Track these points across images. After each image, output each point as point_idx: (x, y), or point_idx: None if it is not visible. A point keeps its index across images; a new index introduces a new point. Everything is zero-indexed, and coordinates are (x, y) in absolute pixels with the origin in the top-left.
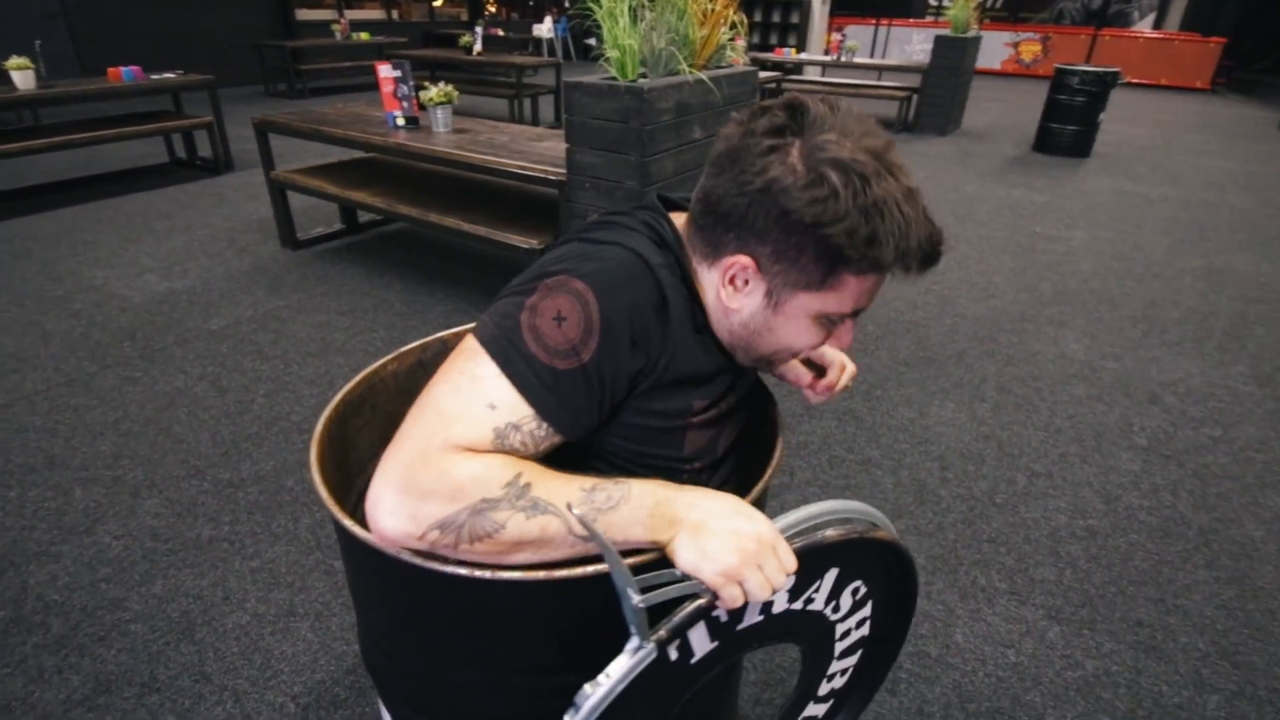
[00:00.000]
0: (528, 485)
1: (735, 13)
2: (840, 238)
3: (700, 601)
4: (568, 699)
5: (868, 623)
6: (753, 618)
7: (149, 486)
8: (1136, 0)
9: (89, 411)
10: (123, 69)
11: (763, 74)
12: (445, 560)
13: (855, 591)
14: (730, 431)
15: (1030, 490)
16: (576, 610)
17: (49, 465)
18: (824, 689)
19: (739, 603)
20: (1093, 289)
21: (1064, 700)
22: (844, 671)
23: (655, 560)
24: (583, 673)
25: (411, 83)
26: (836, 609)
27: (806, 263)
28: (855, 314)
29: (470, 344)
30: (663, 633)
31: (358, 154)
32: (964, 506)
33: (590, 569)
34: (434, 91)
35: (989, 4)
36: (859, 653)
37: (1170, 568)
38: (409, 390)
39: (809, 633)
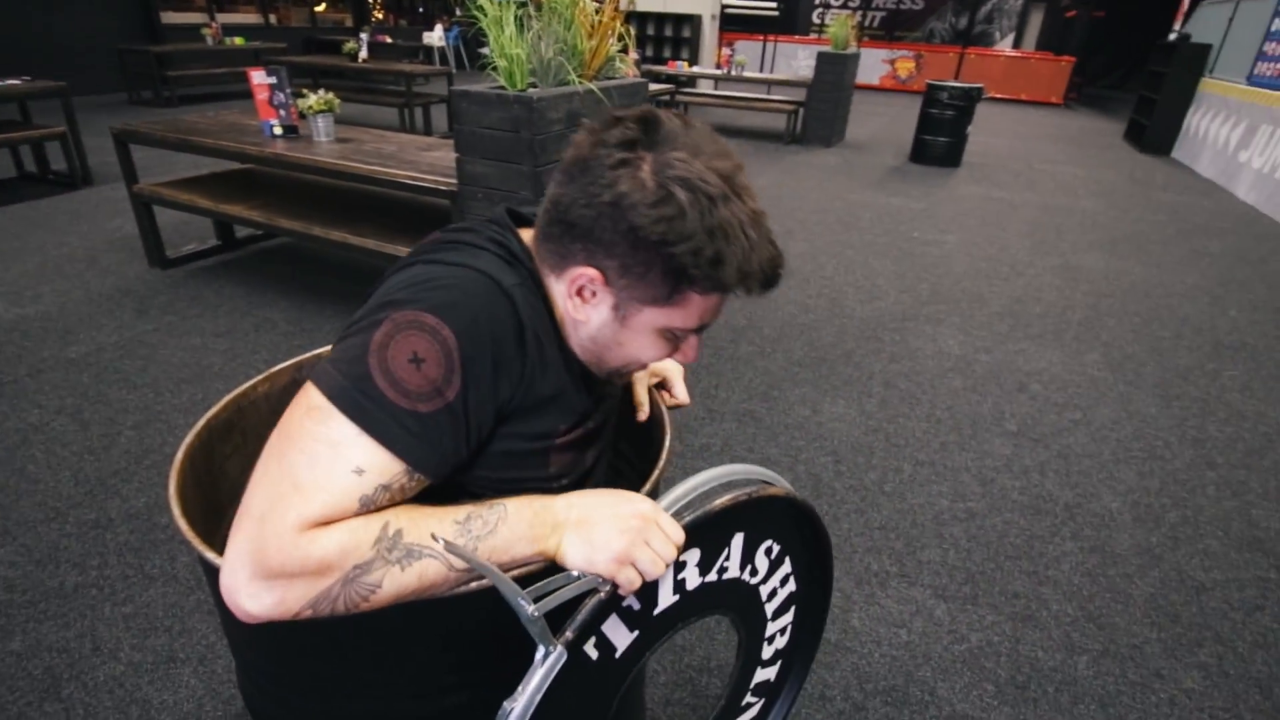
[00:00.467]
0: (398, 533)
1: (622, 25)
2: (686, 257)
3: (600, 595)
4: (471, 716)
5: (791, 578)
6: (668, 599)
7: (1, 533)
8: (998, 21)
9: None
10: None
11: (656, 86)
12: None
13: (769, 551)
14: (599, 442)
15: (915, 478)
16: (474, 626)
17: None
18: (767, 652)
19: (636, 585)
20: (965, 289)
21: (952, 673)
22: (783, 630)
23: (543, 569)
24: (483, 689)
25: (289, 90)
26: (754, 572)
27: (653, 279)
28: (700, 329)
29: (317, 399)
30: (569, 634)
31: (232, 165)
32: (856, 497)
33: (474, 585)
34: (313, 99)
35: (867, 23)
36: (792, 609)
37: (1041, 542)
38: (282, 413)
39: (734, 601)
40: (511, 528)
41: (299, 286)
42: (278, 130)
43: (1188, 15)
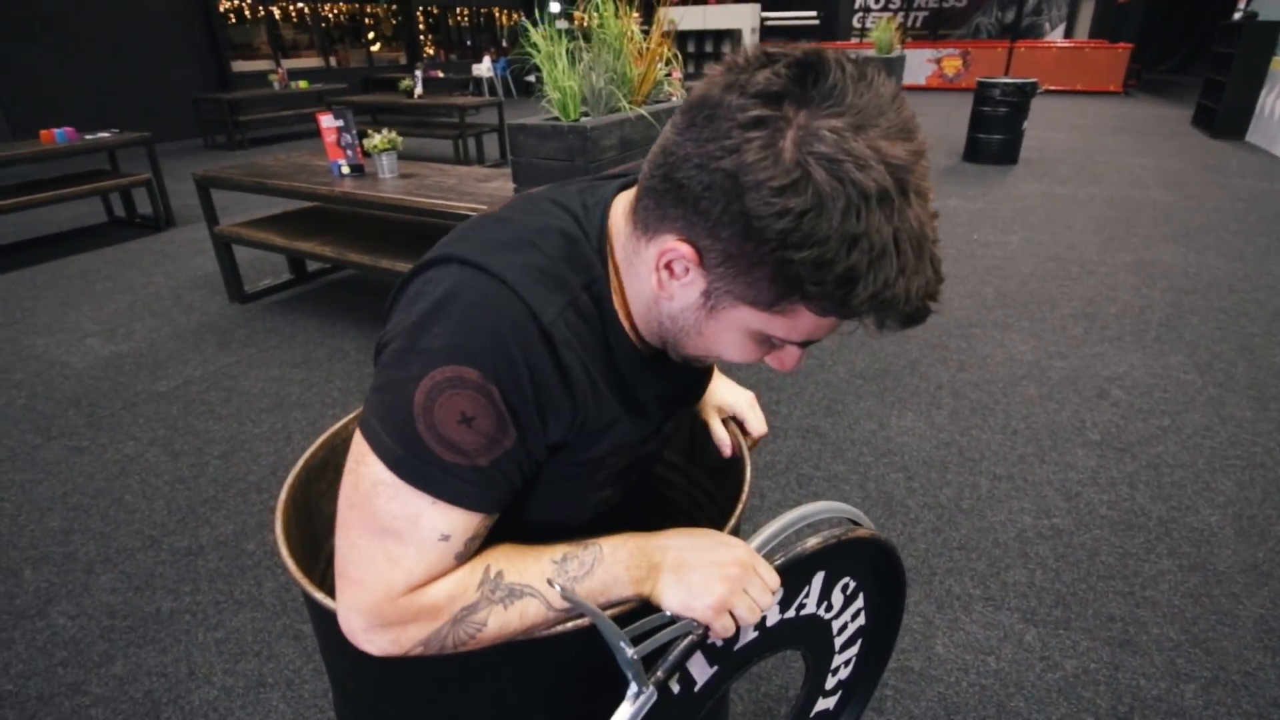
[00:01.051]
0: (500, 574)
1: (670, 49)
2: (806, 266)
3: (692, 636)
4: None
5: (862, 613)
6: (748, 636)
7: (103, 561)
8: (1046, 13)
9: (35, 487)
10: (55, 131)
11: None
12: None
13: (845, 588)
14: (648, 462)
15: (994, 494)
16: (566, 663)
17: None
18: (830, 682)
19: (731, 632)
20: (1033, 290)
21: (1047, 703)
22: (847, 663)
23: (637, 608)
24: None
25: (355, 130)
26: (829, 608)
27: (758, 278)
28: (805, 344)
29: (380, 472)
30: (660, 674)
31: (303, 203)
32: (932, 515)
33: (571, 625)
34: (378, 139)
35: (909, 23)
36: (859, 642)
37: (1135, 560)
38: None
39: (807, 636)
40: (608, 569)
41: (368, 315)
42: (345, 169)
43: None
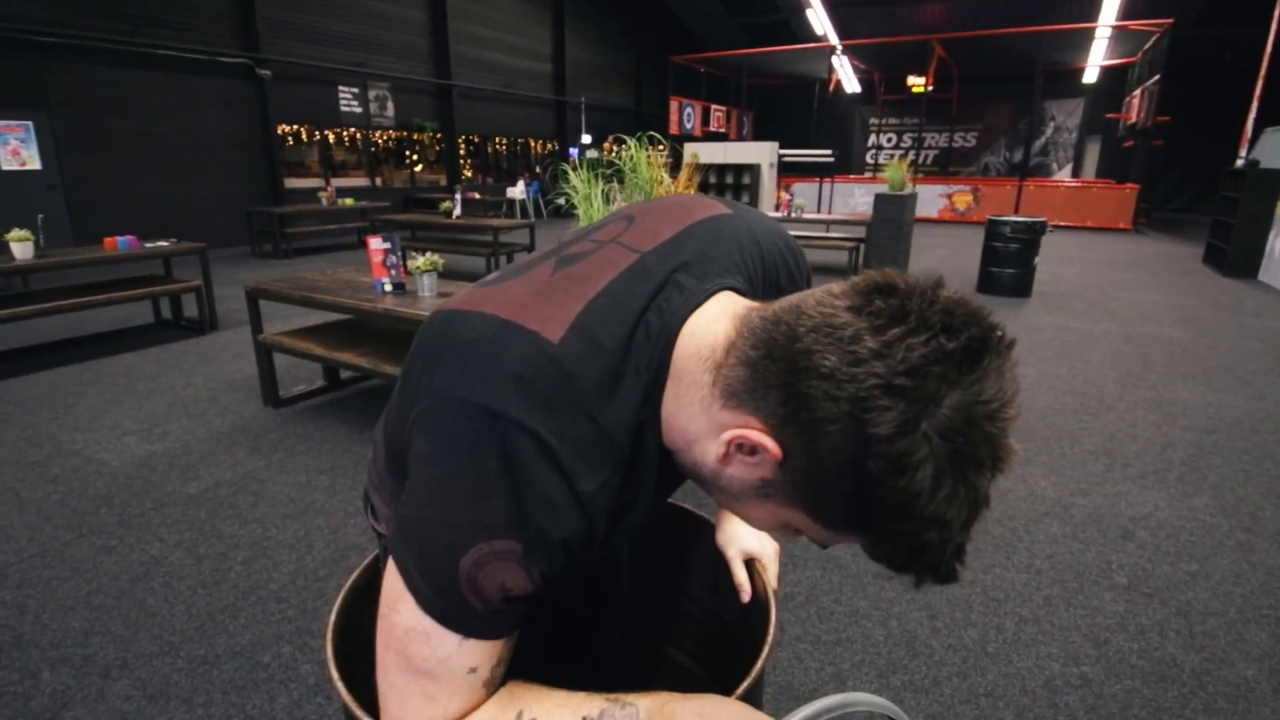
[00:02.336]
0: (516, 705)
1: (695, 189)
2: (885, 530)
3: None
4: None
5: None
6: None
7: (120, 666)
8: (1054, 154)
9: (61, 585)
10: (119, 239)
11: None
12: None
13: None
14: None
15: (1020, 637)
16: None
17: (16, 644)
18: None
19: None
20: (1052, 424)
21: None
22: None
23: None
24: None
25: (400, 252)
26: None
27: (833, 502)
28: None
29: (412, 619)
30: None
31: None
32: (957, 658)
33: None
34: (421, 261)
35: (920, 160)
36: None
37: (1170, 715)
38: None
39: None
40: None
41: None
42: (388, 287)
43: (1252, 142)
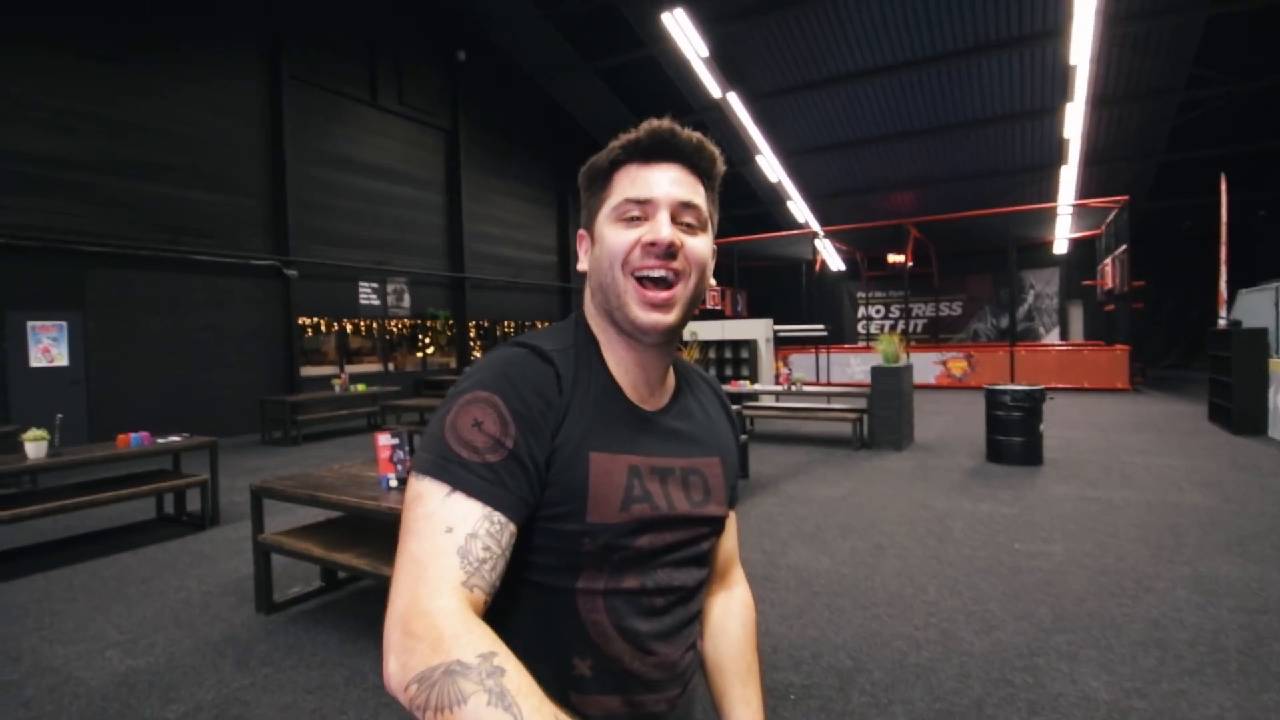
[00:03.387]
0: (500, 669)
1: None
2: (598, 159)
3: None
4: None
5: None
6: None
7: None
8: (1039, 319)
9: None
10: (132, 435)
11: None
12: None
13: None
14: (666, 530)
15: None
16: None
17: None
18: None
19: None
20: (1090, 611)
21: None
22: None
23: None
24: None
25: (408, 448)
26: None
27: (595, 190)
28: (648, 201)
29: (415, 485)
30: None
31: None
32: None
33: None
34: None
35: (910, 329)
36: None
37: None
38: None
39: None
40: None
41: None
42: (394, 483)
43: (1229, 302)
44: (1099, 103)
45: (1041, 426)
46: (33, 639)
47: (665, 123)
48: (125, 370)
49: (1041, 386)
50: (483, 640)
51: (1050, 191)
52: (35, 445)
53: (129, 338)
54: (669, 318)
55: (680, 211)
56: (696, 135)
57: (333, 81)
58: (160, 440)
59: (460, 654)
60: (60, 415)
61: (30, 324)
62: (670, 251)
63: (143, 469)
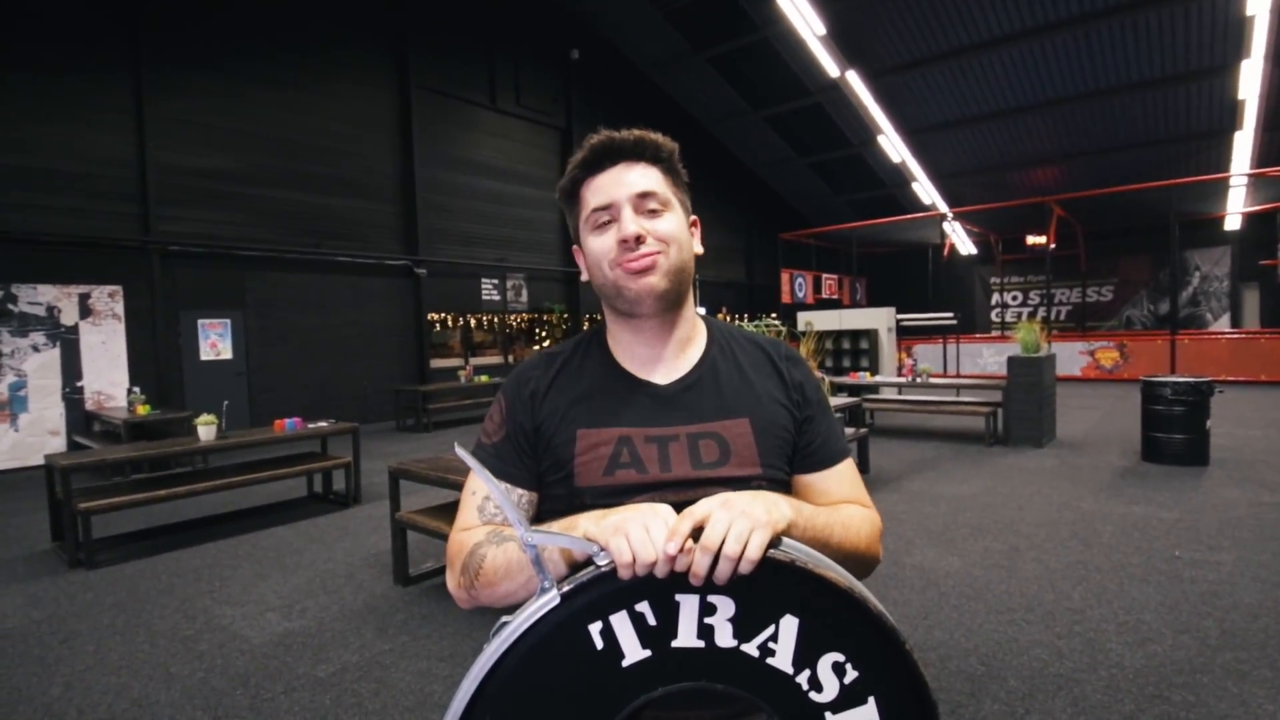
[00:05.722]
0: (498, 533)
1: (815, 371)
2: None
3: (599, 566)
4: None
5: None
6: (689, 636)
7: None
8: (1205, 303)
9: None
10: (286, 421)
11: (845, 401)
12: None
13: (839, 670)
14: (654, 489)
15: None
16: None
17: None
18: None
19: (625, 554)
20: (1265, 627)
21: None
22: None
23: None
24: None
25: None
26: (817, 685)
27: (571, 210)
28: (609, 206)
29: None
30: (567, 587)
31: None
32: None
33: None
34: None
35: (1054, 317)
36: None
37: None
38: None
39: (779, 700)
40: (566, 522)
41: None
42: None
43: None
44: None
45: (1208, 423)
46: (205, 600)
47: (603, 134)
48: (279, 362)
49: (1208, 379)
50: (484, 530)
51: (1220, 161)
52: (206, 429)
53: (282, 333)
54: (656, 279)
55: (640, 202)
56: (634, 132)
57: (455, 88)
58: (310, 425)
59: (475, 543)
60: (226, 402)
61: (200, 322)
62: (640, 240)
63: (295, 451)
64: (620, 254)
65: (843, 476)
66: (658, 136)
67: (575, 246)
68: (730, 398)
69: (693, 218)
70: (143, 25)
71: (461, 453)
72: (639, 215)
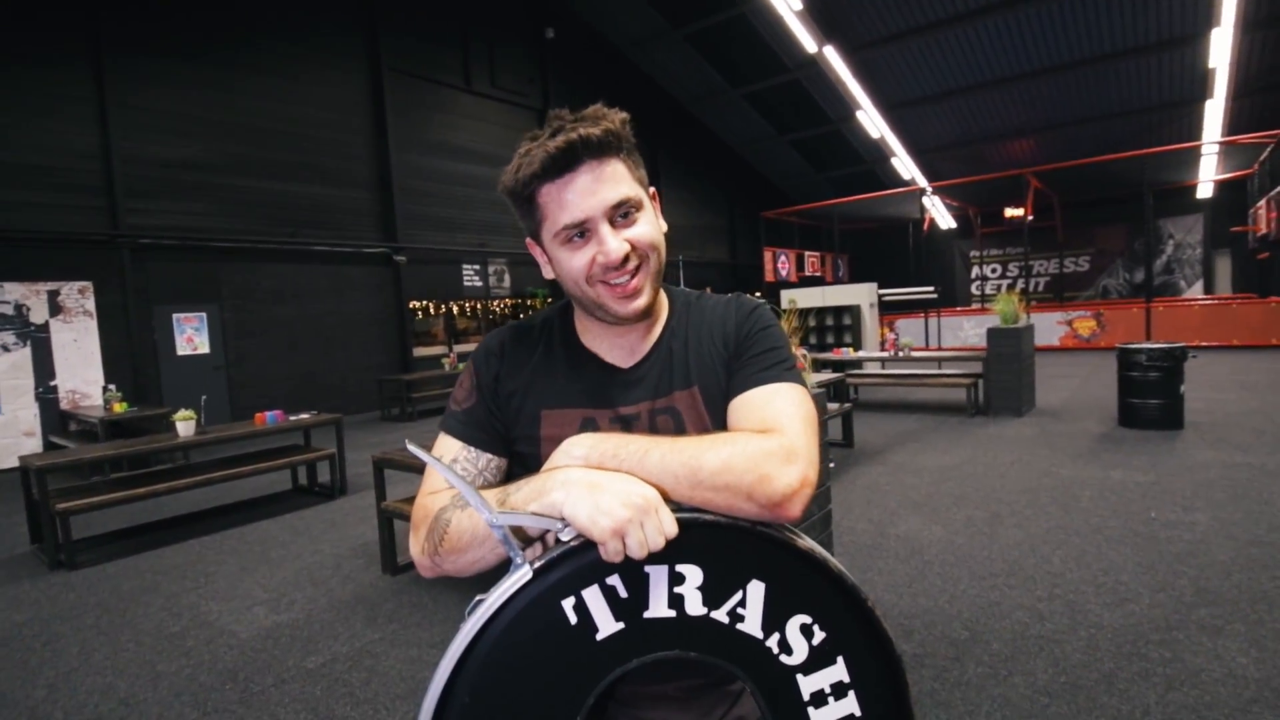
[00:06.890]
0: (463, 501)
1: (798, 347)
2: (508, 182)
3: (568, 542)
4: None
5: (852, 695)
6: (661, 606)
7: None
8: (1179, 271)
9: None
10: (267, 414)
11: (828, 376)
12: None
13: (808, 632)
14: None
15: None
16: None
17: None
18: None
19: (618, 557)
20: (1238, 584)
21: None
22: None
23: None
24: None
25: None
26: (787, 648)
27: (525, 210)
28: (583, 222)
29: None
30: (539, 563)
31: None
32: None
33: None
34: None
35: (1031, 288)
36: None
37: None
38: None
39: (751, 665)
40: (534, 482)
41: None
42: None
43: None
44: (1251, 25)
45: (1182, 388)
46: (191, 597)
47: (559, 139)
48: (259, 355)
49: (1182, 344)
50: (449, 495)
51: (1192, 130)
52: (185, 424)
53: (261, 325)
54: (642, 300)
55: (614, 211)
56: (580, 129)
57: (429, 70)
58: (292, 418)
59: (439, 506)
60: (205, 397)
61: (175, 316)
62: (625, 259)
63: (278, 444)
64: (602, 273)
65: (750, 405)
66: (613, 122)
67: (531, 241)
68: (680, 368)
69: (651, 190)
70: (103, 12)
71: (415, 449)
72: (617, 229)
